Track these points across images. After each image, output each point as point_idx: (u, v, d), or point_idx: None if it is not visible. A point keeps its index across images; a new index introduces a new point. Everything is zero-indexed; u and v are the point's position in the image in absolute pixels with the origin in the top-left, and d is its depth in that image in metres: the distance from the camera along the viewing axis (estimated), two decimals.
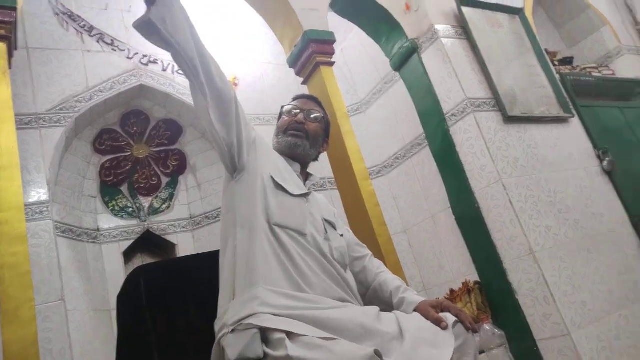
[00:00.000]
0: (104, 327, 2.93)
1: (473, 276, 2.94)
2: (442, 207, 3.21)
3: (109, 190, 3.36)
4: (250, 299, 1.15)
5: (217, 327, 1.23)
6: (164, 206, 3.52)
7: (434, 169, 3.21)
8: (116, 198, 3.37)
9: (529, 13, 3.79)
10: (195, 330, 1.85)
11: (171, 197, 3.56)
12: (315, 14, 2.94)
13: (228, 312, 1.18)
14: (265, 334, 1.10)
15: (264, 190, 1.29)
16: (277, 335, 1.08)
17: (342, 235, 1.45)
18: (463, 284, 2.91)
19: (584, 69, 4.17)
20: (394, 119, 3.64)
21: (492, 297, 2.79)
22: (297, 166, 1.46)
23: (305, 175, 1.49)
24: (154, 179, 3.52)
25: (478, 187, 2.86)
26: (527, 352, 2.49)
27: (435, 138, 3.13)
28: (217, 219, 3.57)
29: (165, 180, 3.56)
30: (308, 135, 1.46)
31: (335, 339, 1.06)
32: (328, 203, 1.54)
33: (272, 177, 1.33)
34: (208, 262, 1.88)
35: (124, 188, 3.42)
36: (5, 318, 1.50)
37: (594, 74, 4.16)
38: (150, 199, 3.49)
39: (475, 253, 2.90)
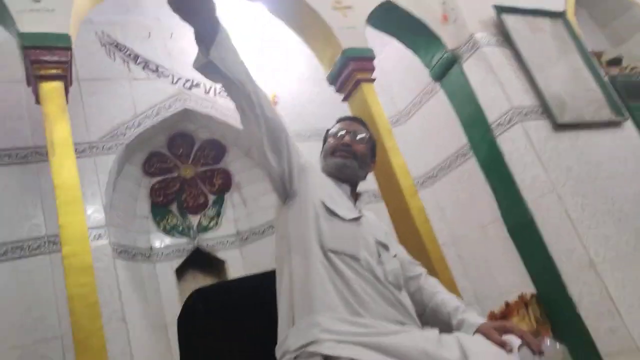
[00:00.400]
0: (162, 342, 3.02)
1: (528, 288, 2.86)
2: (491, 218, 3.14)
3: (159, 210, 3.46)
4: (310, 325, 1.16)
5: (278, 353, 1.24)
6: (211, 223, 3.60)
7: (480, 180, 3.15)
8: (166, 217, 3.47)
9: (570, 15, 3.68)
10: (251, 354, 1.86)
11: (218, 214, 3.63)
12: (352, 31, 2.95)
13: (289, 338, 1.19)
14: None
15: (316, 216, 1.30)
16: None
17: (395, 256, 1.43)
18: (519, 297, 2.83)
19: (633, 68, 4.00)
20: (435, 130, 3.60)
21: (551, 311, 2.71)
22: (347, 187, 1.46)
23: (355, 196, 1.49)
24: (201, 197, 3.60)
25: (530, 198, 2.78)
26: None
27: (481, 148, 3.07)
28: (264, 234, 3.62)
29: (211, 198, 3.64)
30: (356, 156, 1.46)
31: None
32: (379, 221, 1.53)
33: (323, 203, 1.33)
34: (264, 283, 1.90)
35: (173, 207, 3.52)
36: (78, 347, 1.57)
37: None
38: (198, 217, 3.57)
39: (530, 265, 2.82)
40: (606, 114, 3.23)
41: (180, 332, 1.98)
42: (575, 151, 2.92)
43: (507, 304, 2.94)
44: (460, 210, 3.43)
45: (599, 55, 3.97)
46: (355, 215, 1.37)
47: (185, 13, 1.16)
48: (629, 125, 3.29)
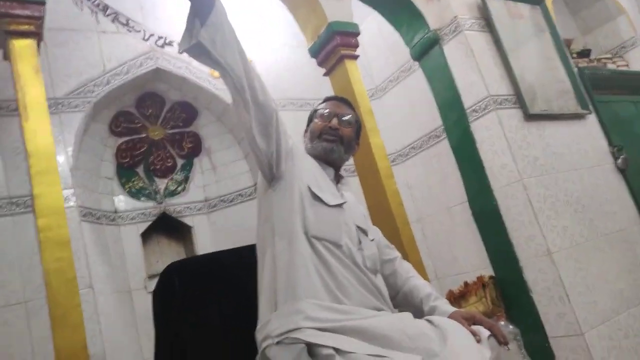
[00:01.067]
0: (125, 308, 2.99)
1: (487, 271, 3.02)
2: (458, 201, 3.25)
3: (125, 172, 3.34)
4: (293, 312, 1.19)
5: (259, 336, 1.27)
6: (179, 188, 3.52)
7: (451, 162, 3.23)
8: (132, 180, 3.36)
9: (549, 3, 3.73)
10: (229, 331, 1.88)
11: (186, 179, 3.56)
12: (339, 3, 2.87)
13: (271, 323, 1.22)
14: (312, 349, 1.14)
15: (302, 200, 1.31)
16: (326, 351, 1.12)
17: (372, 240, 1.47)
18: (478, 278, 2.98)
19: (599, 59, 4.15)
20: (411, 109, 3.62)
21: (506, 293, 2.88)
22: (331, 171, 1.48)
23: (337, 178, 1.51)
24: (169, 160, 3.50)
25: (497, 185, 2.89)
26: (540, 348, 2.59)
27: (455, 132, 3.14)
28: (232, 202, 3.59)
29: (180, 162, 3.55)
30: (342, 140, 1.47)
31: (384, 357, 1.11)
32: (357, 204, 1.56)
33: (309, 187, 1.34)
34: (238, 258, 1.91)
35: (140, 170, 3.41)
36: (55, 323, 1.53)
37: (608, 65, 4.15)
38: (165, 180, 3.49)
39: (491, 249, 2.97)
40: (572, 105, 3.35)
41: (156, 304, 1.97)
42: (542, 142, 3.04)
43: (466, 284, 3.09)
44: (428, 190, 3.53)
45: (568, 42, 4.07)
46: (339, 201, 1.39)
47: None
48: (592, 118, 3.44)
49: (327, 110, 1.48)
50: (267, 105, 1.27)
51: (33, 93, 1.73)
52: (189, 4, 1.17)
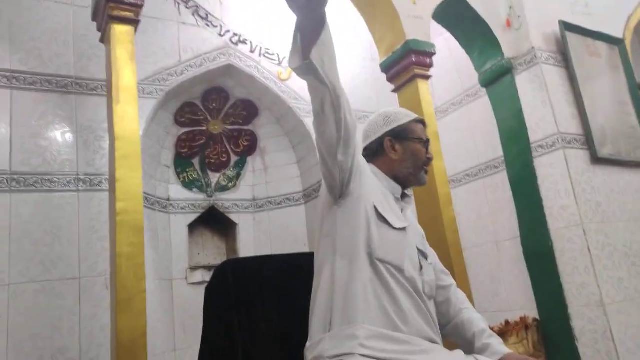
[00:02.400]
0: (165, 296, 3.04)
1: (531, 312, 2.94)
2: (509, 236, 3.18)
3: (181, 162, 3.41)
4: (349, 336, 1.17)
5: (309, 354, 1.25)
6: (230, 184, 3.57)
7: (507, 196, 3.17)
8: (188, 170, 3.42)
9: (628, 44, 3.62)
10: (278, 338, 1.87)
11: (238, 176, 3.60)
12: (418, 22, 2.85)
13: (324, 343, 1.20)
14: None
15: (367, 220, 1.29)
16: None
17: (430, 264, 1.44)
18: (521, 318, 2.91)
19: None
20: (470, 135, 3.57)
21: (549, 339, 2.79)
22: (399, 189, 1.44)
23: (403, 196, 1.48)
24: (224, 156, 3.55)
25: (555, 226, 2.82)
26: None
27: (516, 165, 3.08)
28: (280, 205, 3.61)
29: (234, 158, 3.59)
30: None
31: None
32: (417, 223, 1.53)
33: (375, 208, 1.32)
34: (297, 266, 1.90)
35: (196, 161, 3.47)
36: (120, 307, 1.56)
37: None
38: (218, 175, 3.54)
39: (539, 290, 2.89)
40: None
41: (209, 298, 1.98)
42: (606, 188, 2.95)
43: (507, 323, 3.01)
44: (477, 220, 3.46)
45: (639, 86, 3.94)
46: (403, 224, 1.36)
47: (300, 3, 1.09)
48: None
49: (426, 137, 1.44)
50: (353, 123, 1.27)
51: (126, 78, 1.78)
52: (294, 19, 1.18)
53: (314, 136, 3.33)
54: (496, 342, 1.37)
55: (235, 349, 1.79)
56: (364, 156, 1.43)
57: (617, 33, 3.57)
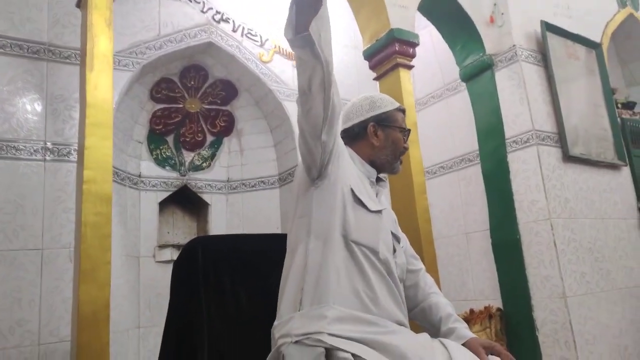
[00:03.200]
0: (131, 273, 2.98)
1: (496, 302, 3.00)
2: (479, 228, 3.23)
3: (155, 138, 3.34)
4: (319, 316, 1.17)
5: (277, 332, 1.24)
6: (204, 164, 3.51)
7: (479, 189, 3.22)
8: (161, 147, 3.35)
9: (605, 49, 3.71)
10: (243, 316, 1.86)
11: (213, 156, 3.55)
12: (404, 11, 2.85)
13: (293, 321, 1.19)
14: (330, 353, 1.12)
15: (343, 202, 1.28)
16: (343, 355, 1.11)
17: (402, 247, 1.46)
18: (485, 307, 2.97)
19: None
20: (447, 128, 3.60)
21: (511, 328, 2.86)
22: (374, 173, 1.44)
23: (377, 180, 1.48)
24: (199, 135, 3.49)
25: (524, 220, 2.88)
26: None
27: (490, 160, 3.12)
28: (254, 187, 3.58)
29: (210, 138, 3.54)
30: None
31: None
32: (389, 206, 1.54)
33: (352, 190, 1.32)
34: (268, 247, 1.88)
35: (170, 139, 3.41)
36: (83, 278, 1.52)
37: None
38: (192, 154, 3.48)
39: (504, 281, 2.95)
40: (610, 155, 3.33)
41: (176, 274, 1.95)
42: (575, 186, 3.02)
43: (472, 311, 3.08)
44: (449, 211, 3.51)
45: (613, 91, 4.05)
46: (379, 207, 1.37)
47: None
48: (626, 171, 3.42)
49: (405, 127, 1.45)
50: (339, 103, 1.26)
51: (102, 45, 1.72)
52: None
53: (292, 119, 3.33)
54: (461, 327, 1.39)
55: (201, 326, 1.76)
56: (342, 137, 1.42)
57: (596, 37, 3.64)
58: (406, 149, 1.45)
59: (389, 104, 1.45)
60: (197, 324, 1.75)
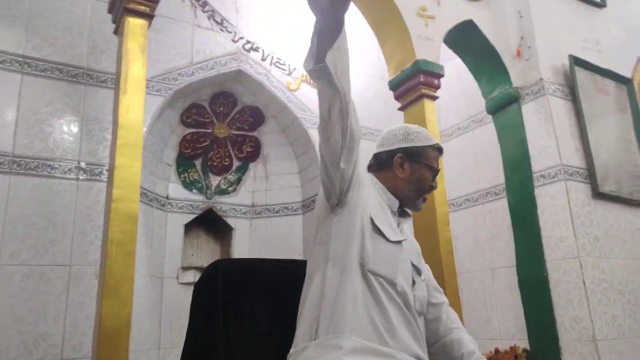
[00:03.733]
0: (154, 293, 3.02)
1: (522, 342, 2.90)
2: (505, 264, 3.16)
3: (184, 162, 3.42)
4: (334, 346, 1.15)
5: (291, 359, 1.23)
6: (230, 188, 3.57)
7: (505, 223, 3.15)
8: (189, 170, 3.43)
9: (636, 85, 3.65)
10: (262, 341, 1.85)
11: (238, 181, 3.61)
12: (429, 43, 2.89)
13: (308, 350, 1.17)
14: None
15: (362, 231, 1.27)
16: None
17: (424, 280, 1.42)
18: (511, 347, 2.87)
19: None
20: (473, 161, 3.58)
21: None
22: (397, 203, 1.41)
23: (400, 211, 1.46)
24: (226, 160, 3.57)
25: (552, 257, 2.80)
26: None
27: (517, 194, 3.07)
28: (278, 213, 3.61)
29: (236, 163, 3.61)
30: None
31: None
32: (413, 237, 1.51)
33: (371, 219, 1.31)
34: (290, 272, 1.88)
35: (198, 163, 3.49)
36: (106, 292, 1.55)
37: None
38: (219, 178, 3.55)
39: (531, 321, 2.85)
40: None
41: (197, 295, 1.96)
42: (605, 223, 2.93)
43: (497, 351, 2.97)
44: (475, 246, 3.44)
45: None
46: (399, 238, 1.35)
47: (321, 4, 1.10)
48: None
49: (437, 166, 1.41)
50: (359, 131, 1.27)
51: (135, 69, 1.81)
52: (312, 24, 1.19)
53: (317, 147, 3.36)
54: None
55: (218, 346, 1.76)
56: (372, 163, 1.43)
57: (626, 73, 3.59)
58: (433, 187, 1.41)
59: (423, 139, 1.41)
60: (215, 345, 1.75)
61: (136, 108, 1.77)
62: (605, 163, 3.09)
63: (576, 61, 3.22)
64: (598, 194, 2.93)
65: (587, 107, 3.15)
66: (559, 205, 2.82)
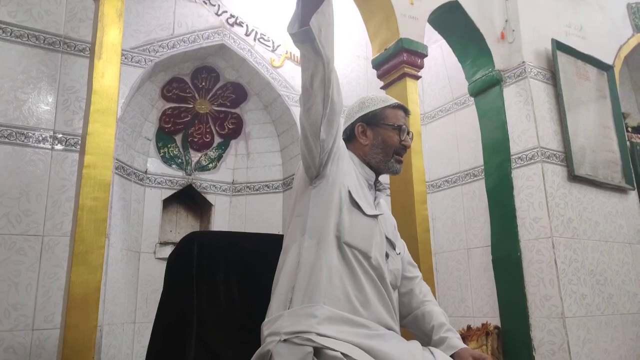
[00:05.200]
0: (131, 268, 3.00)
1: (494, 320, 2.96)
2: (480, 244, 3.21)
3: (163, 137, 3.39)
4: (308, 315, 1.16)
5: (265, 329, 1.23)
6: (210, 165, 3.55)
7: (483, 205, 3.20)
8: (169, 146, 3.40)
9: (617, 72, 3.69)
10: (235, 313, 1.85)
11: (219, 158, 3.58)
12: (414, 22, 2.88)
13: (282, 319, 1.18)
14: (318, 352, 1.11)
15: (340, 204, 1.28)
16: (332, 353, 1.10)
17: (399, 254, 1.44)
18: (483, 324, 2.93)
19: None
20: (453, 142, 3.60)
21: (508, 347, 2.81)
22: (373, 176, 1.43)
23: (376, 184, 1.47)
24: (207, 136, 3.53)
25: (525, 237, 2.85)
26: None
27: (495, 175, 3.10)
28: (258, 191, 3.60)
29: (217, 140, 3.58)
30: None
31: None
32: (389, 212, 1.52)
33: (349, 192, 1.32)
34: (265, 246, 1.88)
35: (178, 138, 3.45)
36: (76, 259, 1.54)
37: None
38: (199, 154, 3.52)
39: (503, 299, 2.91)
40: (617, 178, 3.30)
41: (170, 267, 1.95)
42: (579, 206, 2.99)
43: (469, 328, 3.04)
44: (451, 226, 3.49)
45: (625, 116, 4.02)
46: (375, 212, 1.36)
47: None
48: (633, 195, 3.38)
49: (404, 124, 1.41)
50: (340, 102, 1.27)
51: (112, 35, 1.77)
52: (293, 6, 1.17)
53: (299, 125, 3.35)
54: (453, 336, 1.36)
55: (191, 319, 1.76)
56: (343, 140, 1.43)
57: (608, 60, 3.63)
58: (405, 146, 1.40)
59: (379, 102, 1.42)
60: (188, 318, 1.75)
61: (111, 74, 1.73)
62: (583, 147, 3.14)
63: (559, 46, 3.25)
64: (574, 177, 2.98)
65: (567, 92, 3.18)
66: (534, 187, 2.87)
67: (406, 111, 1.46)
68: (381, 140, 1.39)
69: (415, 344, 1.27)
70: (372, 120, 1.41)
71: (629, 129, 3.75)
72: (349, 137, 1.43)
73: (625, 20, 3.92)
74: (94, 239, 1.57)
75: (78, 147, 2.47)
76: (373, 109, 1.41)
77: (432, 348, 1.28)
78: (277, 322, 1.19)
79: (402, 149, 1.41)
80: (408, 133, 1.42)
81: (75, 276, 1.52)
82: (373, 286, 1.26)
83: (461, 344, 1.35)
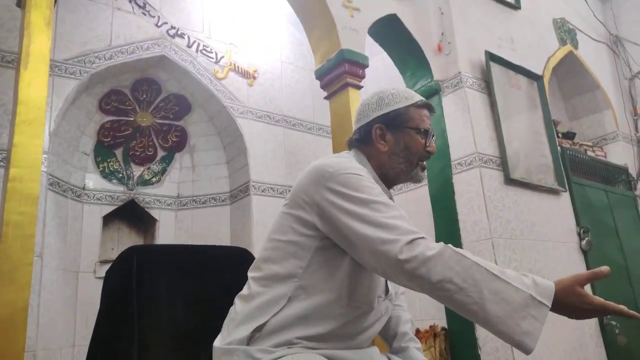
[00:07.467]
0: (68, 289, 2.86)
1: (441, 322, 3.03)
2: None
3: (103, 151, 3.27)
4: (286, 340, 1.06)
5: (221, 353, 1.12)
6: (154, 179, 3.45)
7: (427, 209, 3.28)
8: (108, 160, 3.28)
9: (545, 81, 3.92)
10: (179, 328, 1.80)
11: (163, 171, 3.50)
12: (354, 34, 2.95)
13: (238, 355, 1.06)
14: None
15: (348, 271, 1.11)
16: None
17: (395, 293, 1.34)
18: (430, 327, 2.99)
19: (581, 145, 4.35)
20: None
21: (455, 347, 2.88)
22: (388, 193, 1.22)
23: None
24: (150, 149, 3.44)
25: (467, 239, 2.94)
26: None
27: (437, 181, 3.20)
28: (205, 204, 3.54)
29: (161, 153, 3.49)
30: None
31: None
32: None
33: None
34: (211, 257, 1.84)
35: (119, 152, 3.34)
36: (3, 279, 1.45)
37: (588, 152, 4.34)
38: (142, 168, 3.42)
39: None
40: (550, 181, 3.48)
41: (107, 281, 1.87)
42: (516, 208, 3.13)
43: (418, 330, 3.09)
44: None
45: (556, 123, 4.27)
46: None
47: None
48: (565, 196, 3.57)
49: (429, 127, 1.20)
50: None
51: (38, 43, 1.70)
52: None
53: (245, 137, 3.34)
54: (413, 347, 1.31)
55: (132, 339, 1.69)
56: (353, 140, 1.22)
57: (538, 70, 3.85)
58: (430, 152, 1.19)
59: (402, 99, 1.19)
60: (127, 336, 1.67)
61: (39, 84, 1.66)
62: (517, 152, 3.30)
63: (491, 57, 3.42)
64: (510, 180, 3.12)
65: (501, 100, 3.34)
66: (474, 191, 2.98)
67: (431, 109, 1.25)
68: (404, 147, 1.16)
69: (374, 350, 1.21)
70: (393, 122, 1.17)
71: (560, 135, 3.99)
72: (363, 138, 1.19)
73: (552, 33, 4.19)
74: (21, 256, 1.49)
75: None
76: (395, 108, 1.18)
77: (390, 355, 1.26)
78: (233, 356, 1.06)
79: (425, 156, 1.19)
80: (432, 136, 1.21)
81: (2, 297, 1.43)
82: (368, 324, 1.15)
83: (420, 357, 1.29)
